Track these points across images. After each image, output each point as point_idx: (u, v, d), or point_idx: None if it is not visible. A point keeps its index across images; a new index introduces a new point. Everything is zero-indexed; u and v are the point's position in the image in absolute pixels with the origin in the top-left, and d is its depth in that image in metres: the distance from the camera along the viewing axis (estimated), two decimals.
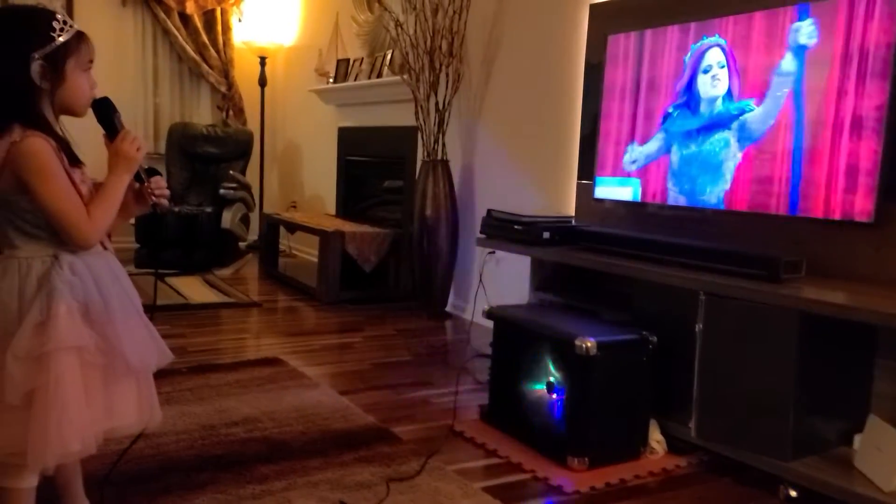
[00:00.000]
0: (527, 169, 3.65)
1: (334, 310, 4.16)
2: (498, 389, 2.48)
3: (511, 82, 3.76)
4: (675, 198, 2.63)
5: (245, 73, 6.24)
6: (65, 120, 1.52)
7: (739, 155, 2.41)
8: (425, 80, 3.98)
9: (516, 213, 2.89)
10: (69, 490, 1.63)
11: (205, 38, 6.11)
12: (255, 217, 5.78)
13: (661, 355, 2.24)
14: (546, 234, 2.73)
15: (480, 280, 3.55)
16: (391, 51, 4.54)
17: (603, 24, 2.98)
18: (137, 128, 5.90)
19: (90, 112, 1.52)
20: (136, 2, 5.90)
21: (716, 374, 2.13)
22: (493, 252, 3.37)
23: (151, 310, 1.58)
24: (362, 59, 5.01)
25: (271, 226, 5.25)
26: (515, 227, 2.82)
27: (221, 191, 5.37)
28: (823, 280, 2.13)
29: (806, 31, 2.21)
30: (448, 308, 4.15)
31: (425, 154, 4.02)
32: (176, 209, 5.19)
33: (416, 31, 3.96)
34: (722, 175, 2.47)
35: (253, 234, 5.94)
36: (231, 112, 6.28)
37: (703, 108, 2.52)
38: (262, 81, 6.06)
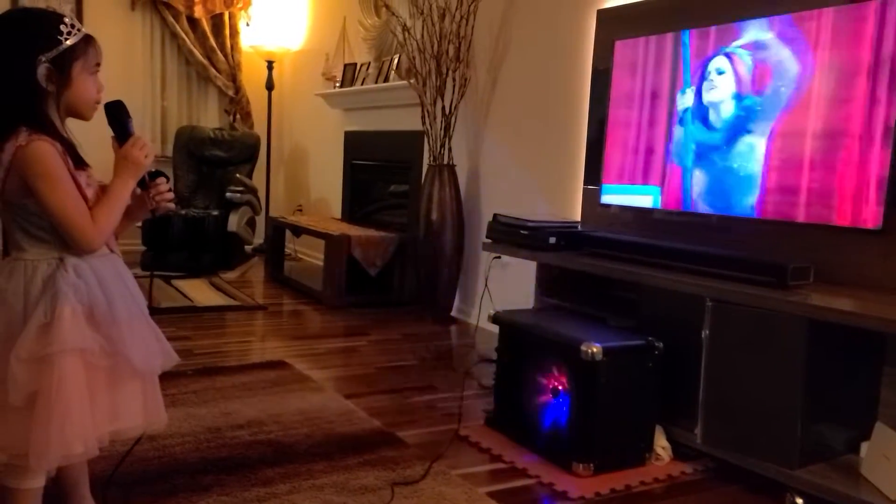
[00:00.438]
0: (533, 174, 3.65)
1: (340, 313, 4.17)
2: (503, 394, 2.48)
3: (518, 87, 3.76)
4: (682, 204, 2.62)
5: (252, 77, 6.26)
6: (70, 122, 1.52)
7: (747, 162, 2.40)
8: (432, 85, 3.98)
9: (522, 217, 2.89)
10: (76, 491, 1.63)
11: (213, 42, 6.14)
12: (261, 220, 5.79)
13: (668, 361, 2.24)
14: (552, 239, 2.73)
15: (486, 285, 3.55)
16: (398, 55, 4.55)
17: (610, 30, 2.98)
18: (145, 131, 5.93)
19: (96, 114, 1.52)
20: (145, 6, 5.93)
21: (722, 380, 2.13)
22: (499, 257, 3.37)
23: (152, 312, 1.58)
24: (369, 63, 5.02)
25: (277, 229, 5.26)
26: (521, 231, 2.82)
27: (228, 194, 5.38)
28: (831, 287, 2.12)
29: (808, 40, 2.21)
30: (453, 312, 4.14)
31: (431, 158, 4.02)
32: (182, 212, 5.20)
33: (423, 35, 3.96)
34: (729, 182, 2.46)
35: (259, 238, 5.95)
36: (238, 116, 6.30)
37: (710, 115, 2.51)
38: (270, 85, 6.08)
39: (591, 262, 2.53)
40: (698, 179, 2.56)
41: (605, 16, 3.06)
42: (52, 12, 1.46)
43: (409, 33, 4.04)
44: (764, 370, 2.02)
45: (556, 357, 2.25)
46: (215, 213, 5.29)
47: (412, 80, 4.11)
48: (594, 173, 3.02)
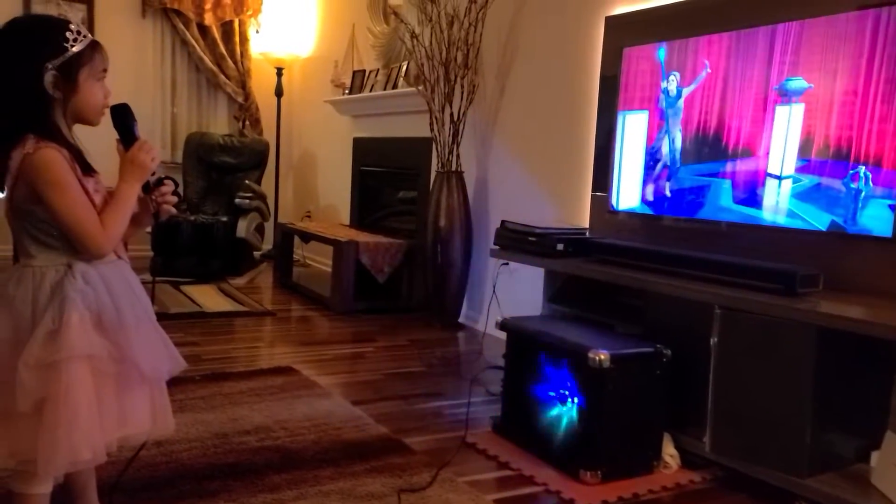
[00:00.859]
0: (541, 180, 3.65)
1: (347, 319, 4.17)
2: (510, 401, 2.47)
3: (526, 94, 3.76)
4: (690, 210, 2.62)
5: (262, 84, 6.29)
6: (77, 129, 1.52)
7: (753, 167, 2.39)
8: (440, 92, 3.99)
9: (530, 224, 2.88)
10: (84, 496, 1.64)
11: (222, 49, 6.17)
12: (269, 226, 5.81)
13: (676, 369, 2.23)
14: (560, 246, 2.73)
15: (494, 291, 3.55)
16: (407, 62, 4.56)
17: (618, 37, 2.98)
18: (155, 137, 5.96)
19: (103, 120, 1.52)
20: (156, 13, 5.98)
21: (731, 388, 2.12)
22: (507, 263, 3.37)
23: (163, 317, 1.59)
24: (378, 70, 5.04)
25: (286, 235, 5.27)
26: (529, 238, 2.82)
27: (237, 200, 5.40)
28: (840, 294, 2.11)
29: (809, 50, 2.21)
30: (461, 319, 4.14)
31: (440, 165, 4.03)
32: (192, 218, 5.22)
33: (431, 42, 3.97)
34: (737, 189, 2.46)
35: (267, 244, 5.97)
36: (247, 122, 6.33)
37: (712, 122, 2.51)
38: (279, 92, 6.11)
39: (598, 269, 2.53)
40: (705, 185, 2.56)
41: (613, 23, 3.06)
42: (59, 19, 1.47)
43: (417, 40, 4.05)
44: (773, 378, 2.01)
45: (563, 364, 2.25)
46: (224, 219, 5.31)
47: (420, 87, 4.12)
48: (602, 179, 3.01)
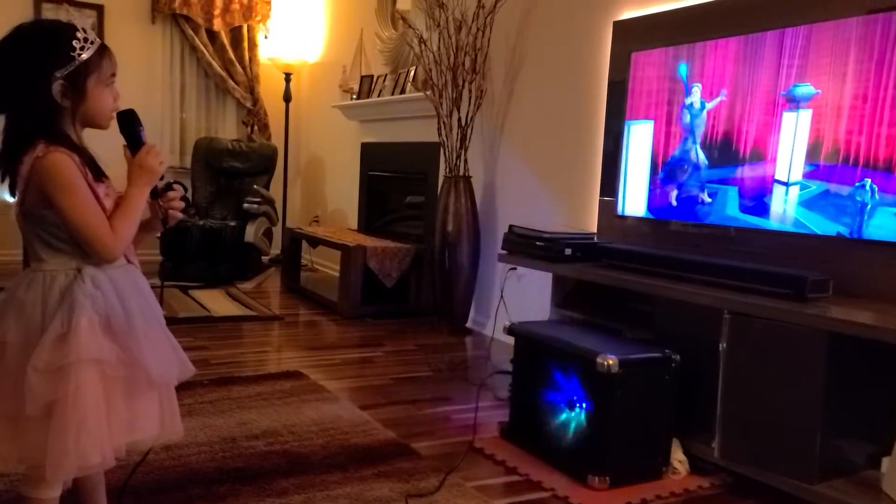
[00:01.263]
0: (549, 185, 3.65)
1: (355, 324, 4.17)
2: (518, 406, 2.47)
3: (534, 99, 3.76)
4: (699, 215, 2.61)
5: (270, 89, 6.31)
6: (88, 135, 1.53)
7: (762, 173, 2.39)
8: (448, 97, 4.00)
9: (538, 229, 2.88)
10: (93, 500, 1.64)
11: (231, 54, 6.20)
12: (277, 231, 5.83)
13: (684, 374, 2.22)
14: (568, 251, 2.72)
15: (502, 296, 3.55)
16: (414, 67, 4.57)
17: (627, 42, 2.98)
18: (164, 142, 5.99)
19: (112, 125, 1.52)
20: (165, 19, 6.01)
21: (740, 393, 2.11)
22: (515, 268, 3.36)
23: (172, 322, 1.59)
24: (386, 75, 5.05)
25: (294, 240, 5.28)
26: (537, 243, 2.82)
27: (245, 205, 5.42)
28: (851, 300, 2.10)
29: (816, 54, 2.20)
30: (469, 324, 4.14)
31: (447, 170, 4.03)
32: (200, 223, 5.24)
33: (439, 47, 3.98)
34: (745, 193, 2.45)
35: (275, 248, 5.98)
36: (256, 127, 6.35)
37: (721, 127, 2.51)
38: (287, 97, 6.13)
39: (607, 274, 2.52)
40: (712, 190, 2.55)
41: (621, 28, 3.06)
42: (66, 25, 1.45)
43: (425, 45, 4.06)
44: (782, 383, 2.00)
45: (571, 369, 2.24)
46: (232, 223, 5.33)
47: (428, 92, 4.13)
48: (610, 184, 3.01)
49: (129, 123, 1.52)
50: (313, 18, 6.21)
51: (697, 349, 2.22)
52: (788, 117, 2.33)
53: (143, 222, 1.56)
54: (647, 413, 2.19)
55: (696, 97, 2.62)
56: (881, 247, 2.09)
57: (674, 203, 2.72)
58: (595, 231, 3.12)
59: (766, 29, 2.38)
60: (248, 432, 2.39)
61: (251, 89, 6.30)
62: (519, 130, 3.88)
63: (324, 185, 6.32)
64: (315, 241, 5.11)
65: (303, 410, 2.62)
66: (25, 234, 1.47)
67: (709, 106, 2.57)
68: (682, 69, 2.67)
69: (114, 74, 1.50)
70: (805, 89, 2.28)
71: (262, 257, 5.77)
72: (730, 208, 2.51)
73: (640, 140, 2.85)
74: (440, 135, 4.04)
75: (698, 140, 2.62)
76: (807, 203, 2.27)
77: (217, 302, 4.48)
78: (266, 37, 6.31)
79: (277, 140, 6.23)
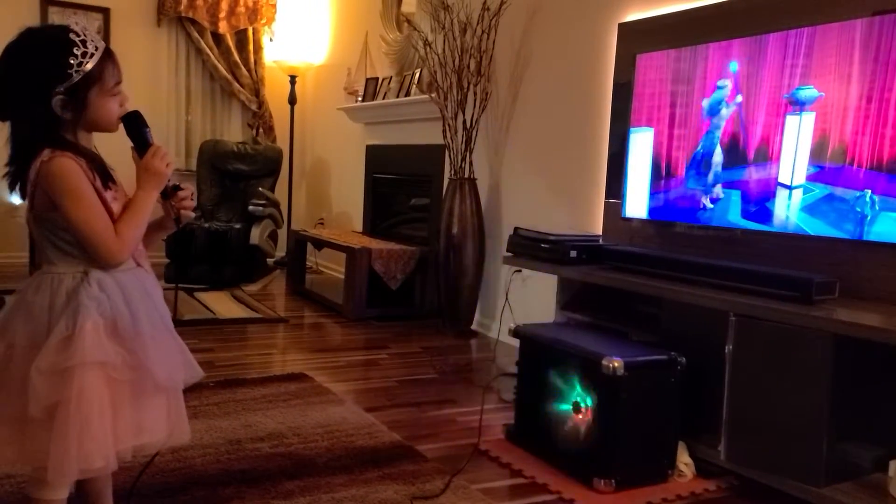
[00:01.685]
0: (554, 187, 3.64)
1: (360, 326, 4.18)
2: (523, 409, 2.47)
3: (539, 101, 3.76)
4: (704, 217, 2.60)
5: (275, 92, 6.33)
6: (95, 137, 1.53)
7: (770, 175, 2.38)
8: (453, 99, 4.00)
9: (543, 231, 2.88)
10: (100, 502, 1.64)
11: (236, 57, 6.22)
12: (283, 233, 5.83)
13: (690, 376, 2.21)
14: (573, 253, 2.72)
15: (506, 298, 3.54)
16: (419, 69, 4.57)
17: (632, 44, 2.98)
18: (170, 144, 6.01)
19: (120, 128, 1.52)
20: (171, 22, 6.03)
21: (746, 396, 2.10)
22: (520, 270, 3.36)
23: (177, 324, 1.59)
24: (391, 77, 5.06)
25: (299, 242, 5.29)
26: (542, 245, 2.81)
27: (250, 207, 5.43)
28: (857, 302, 2.09)
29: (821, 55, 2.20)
30: (474, 326, 4.14)
31: (452, 172, 4.03)
32: (206, 225, 5.25)
33: (444, 50, 3.99)
34: (750, 196, 2.44)
35: (280, 251, 5.99)
36: (261, 130, 6.37)
37: (726, 129, 2.50)
38: (292, 100, 6.14)
39: (612, 276, 2.52)
40: (718, 192, 2.55)
41: (626, 29, 3.06)
42: (67, 37, 1.41)
43: (430, 48, 4.06)
44: (789, 386, 1.99)
45: (576, 371, 2.24)
46: (238, 226, 5.33)
47: (433, 95, 4.14)
48: (615, 186, 3.01)
49: (135, 126, 1.51)
50: (318, 21, 6.22)
51: (703, 351, 2.21)
52: (791, 120, 2.32)
53: (154, 222, 1.56)
54: (652, 416, 2.18)
55: (702, 102, 2.61)
56: (887, 249, 2.08)
57: (678, 205, 2.71)
58: (600, 233, 3.12)
59: (769, 31, 2.38)
60: (254, 434, 2.39)
61: (256, 92, 6.31)
62: (524, 133, 3.88)
63: (329, 187, 6.33)
64: (320, 244, 5.12)
65: (308, 413, 2.62)
66: (36, 236, 1.48)
67: (711, 110, 2.57)
68: (734, 70, 2.66)
69: (118, 83, 1.48)
70: (808, 92, 2.27)
71: (268, 260, 5.78)
72: (735, 211, 2.50)
73: (644, 142, 2.85)
74: (445, 137, 4.04)
75: (701, 142, 2.61)
76: (810, 206, 2.26)
77: (222, 304, 4.49)
78: (271, 39, 6.32)
79: (282, 142, 6.24)
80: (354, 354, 3.60)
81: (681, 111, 2.69)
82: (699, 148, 2.62)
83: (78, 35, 1.42)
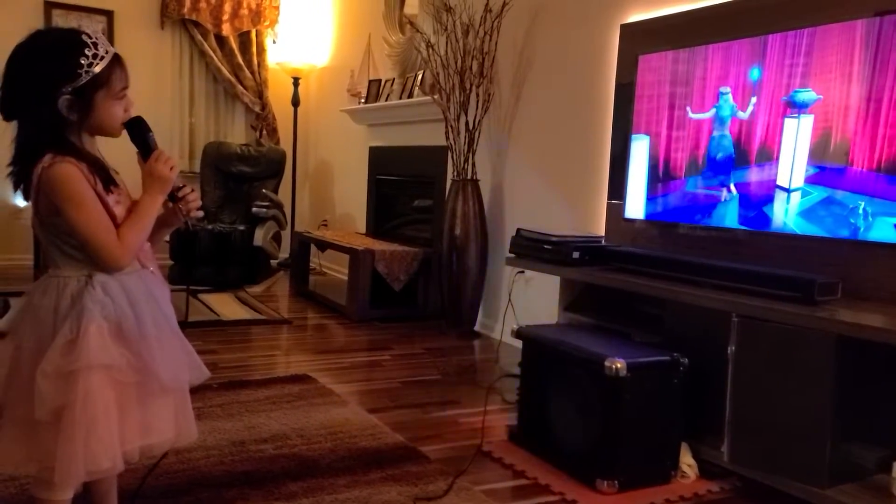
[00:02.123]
0: (556, 188, 3.65)
1: (363, 328, 4.18)
2: (526, 410, 2.47)
3: (541, 102, 3.77)
4: (706, 218, 2.60)
5: (279, 94, 6.34)
6: (101, 141, 1.53)
7: (774, 172, 2.38)
8: (456, 101, 4.01)
9: (546, 232, 2.88)
10: (104, 503, 1.65)
11: (240, 59, 6.23)
12: (286, 235, 5.84)
13: (693, 377, 2.21)
14: (576, 254, 2.72)
15: (509, 299, 3.55)
16: (422, 71, 4.58)
17: (634, 44, 2.98)
18: (173, 146, 6.02)
19: (125, 134, 1.52)
20: (174, 24, 6.04)
21: (749, 397, 2.10)
22: (523, 271, 3.37)
23: (182, 326, 1.59)
24: (393, 79, 5.06)
25: (302, 244, 5.30)
26: (545, 246, 2.81)
27: (254, 209, 5.44)
28: (860, 303, 2.09)
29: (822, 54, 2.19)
30: (477, 327, 4.14)
31: (455, 173, 4.04)
32: (209, 227, 5.26)
33: (446, 51, 3.99)
34: (751, 197, 2.44)
35: (284, 252, 6.00)
36: (264, 132, 6.38)
37: (728, 130, 2.50)
38: (296, 102, 6.15)
39: (615, 277, 2.52)
40: (721, 193, 2.55)
41: (628, 30, 3.06)
42: (77, 39, 1.43)
43: (433, 49, 4.07)
44: (792, 387, 1.99)
45: (579, 373, 2.24)
46: (241, 227, 5.34)
47: (436, 96, 4.14)
48: (618, 187, 3.01)
49: (139, 131, 1.52)
50: (321, 23, 6.23)
51: (706, 352, 2.21)
52: (790, 123, 2.32)
53: (158, 220, 1.56)
54: (655, 417, 2.18)
55: (704, 103, 2.61)
56: (888, 248, 2.08)
57: (681, 206, 2.71)
58: (603, 234, 3.12)
59: (769, 32, 2.38)
60: (257, 436, 2.39)
61: (260, 94, 6.32)
62: (526, 134, 3.89)
63: (332, 188, 6.34)
64: (323, 245, 5.13)
65: (311, 414, 2.63)
66: (42, 240, 1.48)
67: (714, 111, 2.57)
68: (694, 71, 2.66)
69: (125, 88, 1.49)
70: (807, 95, 2.27)
71: (271, 261, 5.79)
72: (734, 213, 2.50)
73: (647, 143, 2.85)
74: (448, 138, 4.05)
75: (702, 144, 2.61)
76: (809, 208, 2.26)
77: (226, 306, 4.49)
78: (274, 42, 6.34)
79: (286, 144, 6.26)
80: (358, 356, 3.60)
81: (680, 113, 2.69)
82: (699, 149, 2.62)
83: (90, 37, 1.44)
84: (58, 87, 1.40)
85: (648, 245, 2.85)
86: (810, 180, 2.27)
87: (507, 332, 3.13)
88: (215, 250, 5.18)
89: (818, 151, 2.25)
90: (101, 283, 1.44)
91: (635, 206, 2.91)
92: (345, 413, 2.66)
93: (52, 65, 1.41)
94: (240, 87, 6.24)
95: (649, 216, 2.84)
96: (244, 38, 6.26)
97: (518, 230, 3.02)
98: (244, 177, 5.86)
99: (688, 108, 2.68)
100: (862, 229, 2.14)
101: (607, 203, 3.12)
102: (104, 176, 1.47)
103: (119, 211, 1.47)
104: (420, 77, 4.64)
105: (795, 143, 2.31)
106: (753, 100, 2.44)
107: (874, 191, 2.11)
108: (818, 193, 2.25)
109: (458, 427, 2.62)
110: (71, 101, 1.41)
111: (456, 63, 3.97)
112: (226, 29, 6.12)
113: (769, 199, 2.40)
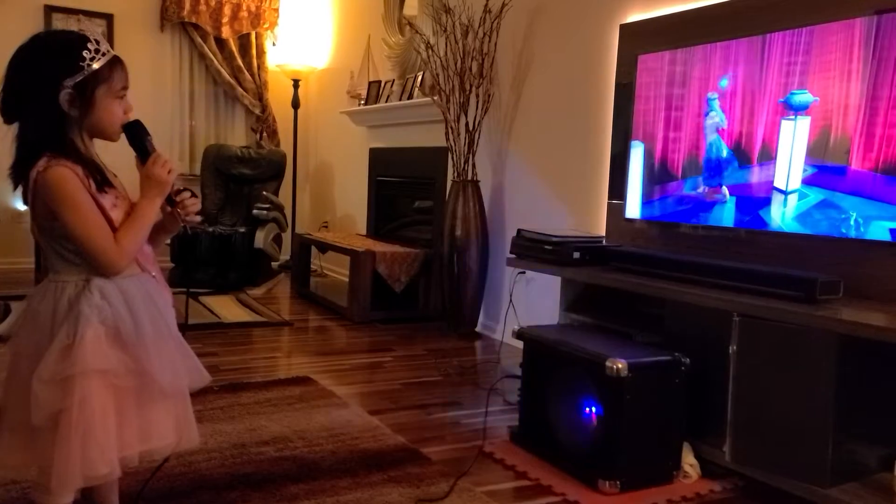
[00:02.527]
0: (557, 189, 3.64)
1: (365, 329, 4.18)
2: (528, 411, 2.46)
3: (541, 103, 3.77)
4: (707, 218, 2.60)
5: (279, 96, 6.34)
6: (99, 145, 1.53)
7: (771, 175, 2.38)
8: (455, 102, 4.00)
9: (546, 232, 2.88)
10: None
11: (240, 61, 6.24)
12: (287, 237, 5.84)
13: (695, 377, 2.21)
14: (576, 255, 2.72)
15: (510, 300, 3.55)
16: (422, 72, 4.58)
17: (633, 44, 2.98)
18: (174, 149, 6.03)
19: (124, 139, 1.52)
20: (174, 27, 6.05)
21: (751, 396, 2.09)
22: (524, 272, 3.36)
23: (183, 329, 1.59)
24: (393, 80, 5.06)
25: (303, 246, 5.30)
26: (545, 246, 2.81)
27: (255, 211, 5.44)
28: (861, 301, 2.09)
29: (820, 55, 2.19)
30: (478, 328, 4.14)
31: (455, 174, 4.04)
32: (210, 229, 5.27)
33: (446, 52, 3.99)
34: (755, 196, 2.44)
35: (285, 254, 6.00)
36: (265, 134, 6.38)
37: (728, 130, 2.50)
38: (296, 104, 6.15)
39: (616, 278, 2.52)
40: (722, 192, 2.54)
41: (627, 30, 3.06)
42: (79, 35, 1.46)
43: (432, 51, 4.07)
44: (793, 386, 1.99)
45: (581, 373, 2.23)
46: (242, 230, 5.35)
47: (436, 97, 4.14)
48: (618, 187, 3.01)
49: (136, 135, 1.52)
50: (321, 25, 6.24)
51: (707, 352, 2.21)
52: (786, 125, 2.32)
53: (157, 224, 1.56)
54: (657, 417, 2.18)
55: (704, 103, 2.61)
56: (889, 248, 2.08)
57: (681, 206, 2.71)
58: (603, 234, 3.12)
59: (768, 32, 2.38)
60: (258, 438, 2.39)
61: (260, 96, 6.33)
62: (526, 134, 3.88)
63: (332, 190, 6.34)
64: (324, 247, 5.13)
65: (312, 416, 2.63)
66: (41, 245, 1.48)
67: (714, 111, 2.57)
68: (697, 74, 2.66)
69: (125, 87, 1.49)
70: (803, 97, 2.27)
71: (272, 263, 5.79)
72: (737, 212, 2.50)
73: (647, 143, 2.85)
74: (448, 139, 4.05)
75: (704, 144, 2.61)
76: (805, 212, 2.26)
77: (227, 308, 4.49)
78: (274, 44, 6.34)
79: (286, 146, 6.26)
80: (359, 357, 3.60)
81: (679, 113, 2.69)
82: (699, 149, 2.62)
83: (91, 35, 1.46)
84: (59, 80, 1.40)
85: (649, 245, 2.85)
86: (807, 181, 2.27)
87: (508, 332, 3.13)
88: (216, 253, 5.18)
89: (814, 153, 2.25)
90: (98, 288, 1.43)
91: (636, 206, 2.90)
92: (346, 415, 2.66)
93: (53, 59, 1.42)
94: (240, 90, 6.25)
95: (649, 217, 2.84)
96: (244, 41, 6.27)
97: (519, 231, 3.02)
98: (245, 179, 5.87)
99: (685, 109, 2.67)
100: (862, 229, 2.13)
101: (608, 203, 3.12)
102: (100, 177, 1.46)
103: (117, 214, 1.46)
104: (420, 78, 4.64)
105: (792, 146, 2.31)
106: (742, 100, 2.44)
107: (871, 192, 2.10)
108: (813, 196, 2.25)
109: (460, 428, 2.61)
110: (72, 96, 1.41)
111: (455, 64, 3.97)
112: (225, 31, 6.12)
113: (763, 202, 2.40)
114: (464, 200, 3.95)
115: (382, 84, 5.18)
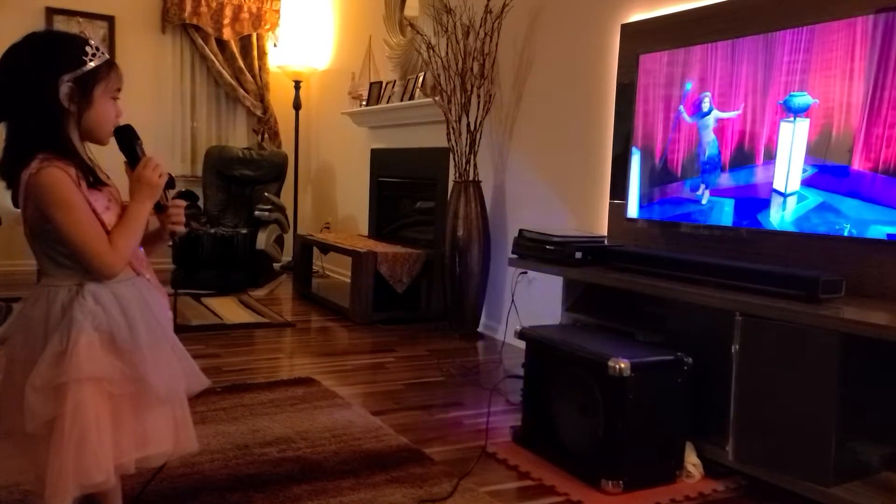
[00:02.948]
0: (558, 189, 3.64)
1: (367, 330, 4.18)
2: (530, 411, 2.46)
3: (542, 103, 3.77)
4: (708, 217, 2.60)
5: (280, 97, 6.35)
6: (90, 147, 1.52)
7: (771, 175, 2.38)
8: (457, 102, 4.01)
9: (548, 232, 2.88)
10: None
11: (241, 63, 6.24)
12: (289, 238, 5.85)
13: (697, 376, 2.21)
14: (578, 254, 2.72)
15: (512, 300, 3.55)
16: (423, 73, 4.58)
17: (634, 44, 2.98)
18: (175, 151, 6.04)
19: (112, 141, 1.51)
20: (175, 29, 6.06)
21: (753, 396, 2.09)
22: (525, 272, 3.36)
23: (184, 330, 1.58)
24: (394, 81, 5.07)
25: (305, 247, 5.30)
26: (547, 246, 2.81)
27: (256, 212, 5.45)
28: (864, 300, 2.08)
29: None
30: (480, 328, 4.14)
31: (457, 175, 4.04)
32: (212, 231, 5.27)
33: (447, 53, 3.99)
34: (756, 196, 2.44)
35: (287, 255, 6.01)
36: (266, 135, 6.39)
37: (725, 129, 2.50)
38: (297, 105, 6.16)
39: (618, 277, 2.52)
40: (723, 192, 2.54)
41: (628, 30, 3.06)
42: (78, 35, 1.48)
43: (433, 51, 4.07)
44: (796, 385, 1.99)
45: (583, 373, 2.23)
46: (244, 231, 5.35)
47: (437, 98, 4.14)
48: (620, 187, 3.01)
49: (127, 139, 1.51)
50: (322, 26, 6.24)
51: (710, 351, 2.21)
52: (785, 127, 2.32)
53: (151, 233, 1.56)
54: (660, 416, 2.18)
55: (705, 103, 2.61)
56: (889, 247, 2.08)
57: (681, 206, 2.70)
58: (605, 234, 3.12)
59: (768, 32, 2.37)
60: (261, 439, 2.39)
61: (261, 97, 6.33)
62: (528, 134, 3.88)
63: (334, 191, 6.34)
64: (326, 248, 5.13)
65: (315, 417, 2.63)
66: (34, 249, 1.45)
67: (715, 111, 2.57)
68: (686, 75, 2.66)
69: (119, 89, 1.50)
70: (802, 99, 2.27)
71: (274, 264, 5.79)
72: (737, 212, 2.50)
73: (648, 143, 2.84)
74: (449, 140, 4.05)
75: (705, 144, 2.61)
76: (804, 214, 2.26)
77: (229, 309, 4.50)
78: (275, 45, 6.35)
79: (288, 147, 6.26)
80: (361, 358, 3.60)
81: (679, 113, 2.69)
82: (699, 150, 2.62)
83: (88, 39, 1.46)
84: (61, 73, 1.40)
85: (651, 244, 2.85)
86: (806, 183, 2.27)
87: (510, 332, 3.13)
88: (218, 254, 5.18)
89: (813, 154, 2.24)
90: (91, 293, 1.41)
91: (637, 206, 2.90)
92: (349, 415, 2.66)
93: (54, 54, 1.42)
94: (241, 91, 6.25)
95: (650, 216, 2.84)
96: (245, 42, 6.28)
97: (520, 231, 3.02)
98: (246, 180, 5.87)
99: (685, 109, 2.67)
100: (858, 230, 2.13)
101: (609, 203, 3.12)
102: (92, 178, 1.44)
103: (109, 217, 1.45)
104: (421, 79, 4.64)
105: (791, 147, 2.31)
106: (741, 100, 2.44)
107: (870, 193, 2.10)
108: (812, 198, 2.25)
109: (463, 428, 2.61)
110: (72, 90, 1.41)
111: (457, 64, 3.97)
112: (227, 33, 6.13)
113: (763, 203, 2.39)
114: (465, 201, 3.95)
115: (384, 85, 5.18)
